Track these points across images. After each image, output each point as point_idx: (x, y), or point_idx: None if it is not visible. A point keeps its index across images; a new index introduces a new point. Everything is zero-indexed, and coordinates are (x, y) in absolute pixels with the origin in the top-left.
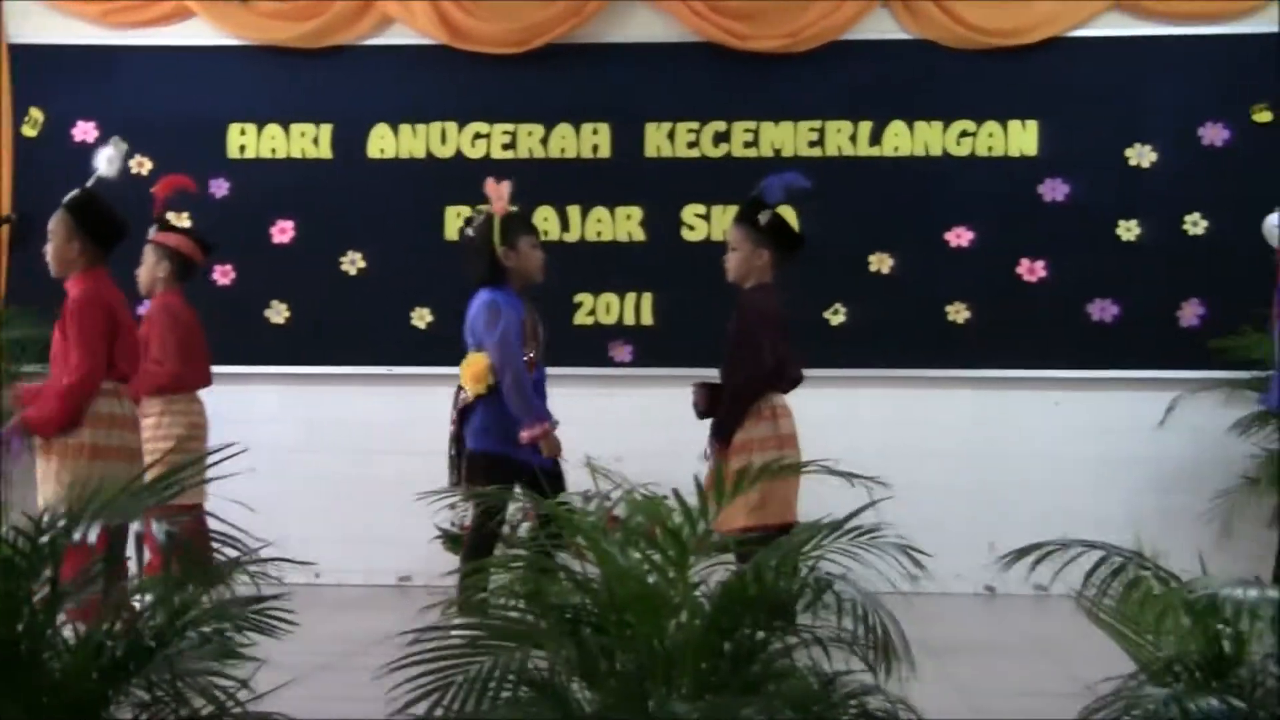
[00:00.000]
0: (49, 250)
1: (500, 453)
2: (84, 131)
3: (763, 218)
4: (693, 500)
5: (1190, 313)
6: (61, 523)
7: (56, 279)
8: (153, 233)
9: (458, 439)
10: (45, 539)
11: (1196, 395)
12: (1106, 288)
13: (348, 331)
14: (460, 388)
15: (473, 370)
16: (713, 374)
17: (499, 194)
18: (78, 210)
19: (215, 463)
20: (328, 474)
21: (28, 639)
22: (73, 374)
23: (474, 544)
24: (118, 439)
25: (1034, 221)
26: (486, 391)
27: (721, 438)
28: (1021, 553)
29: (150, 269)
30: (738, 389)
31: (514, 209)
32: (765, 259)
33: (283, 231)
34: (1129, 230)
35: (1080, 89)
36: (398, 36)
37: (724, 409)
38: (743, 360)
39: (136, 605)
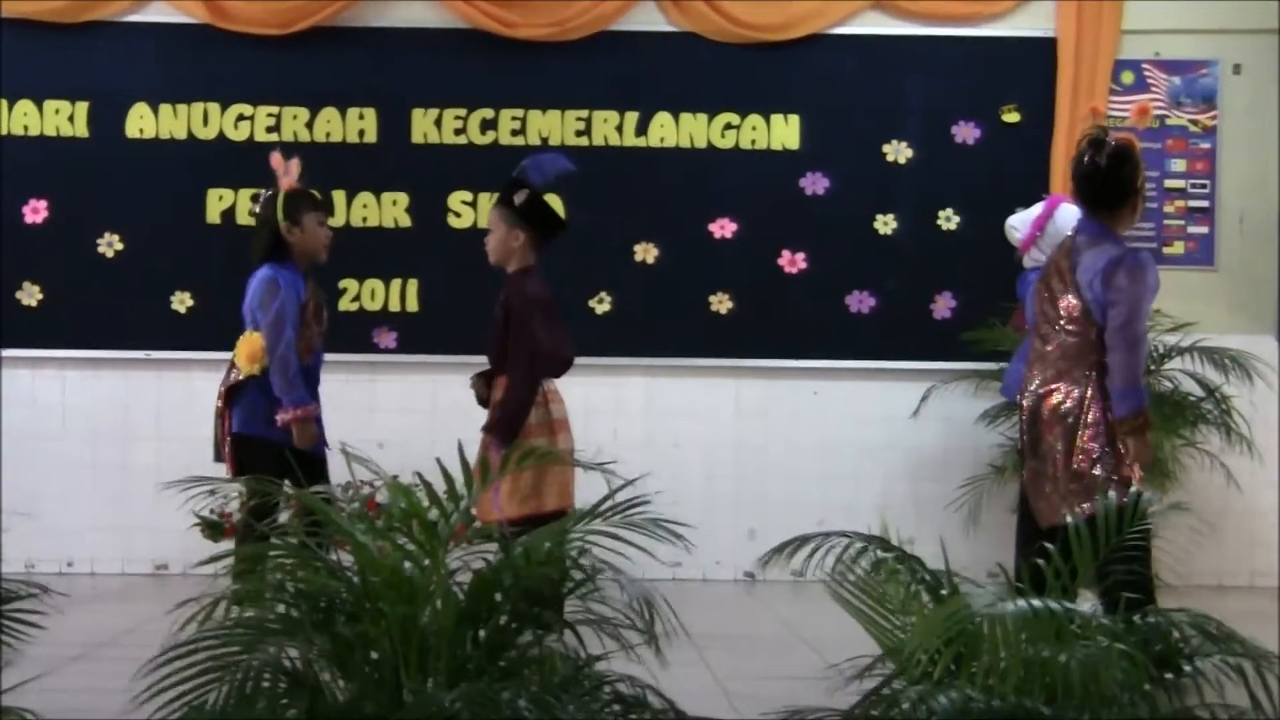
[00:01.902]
0: None
1: (266, 436)
2: None
3: (518, 198)
4: (452, 487)
5: (943, 305)
6: None
7: None
8: None
9: (223, 417)
10: None
11: (949, 386)
12: (864, 280)
13: (104, 314)
14: (232, 365)
15: (248, 350)
16: (478, 360)
17: (285, 169)
18: None
19: None
20: (83, 460)
21: None
22: None
23: (248, 531)
24: None
25: (795, 214)
26: (260, 373)
27: (511, 432)
28: (780, 548)
29: None
30: (517, 378)
31: (299, 186)
32: (522, 240)
33: (35, 211)
34: (885, 224)
35: (840, 85)
36: (159, 14)
37: (508, 400)
38: (517, 348)
39: None
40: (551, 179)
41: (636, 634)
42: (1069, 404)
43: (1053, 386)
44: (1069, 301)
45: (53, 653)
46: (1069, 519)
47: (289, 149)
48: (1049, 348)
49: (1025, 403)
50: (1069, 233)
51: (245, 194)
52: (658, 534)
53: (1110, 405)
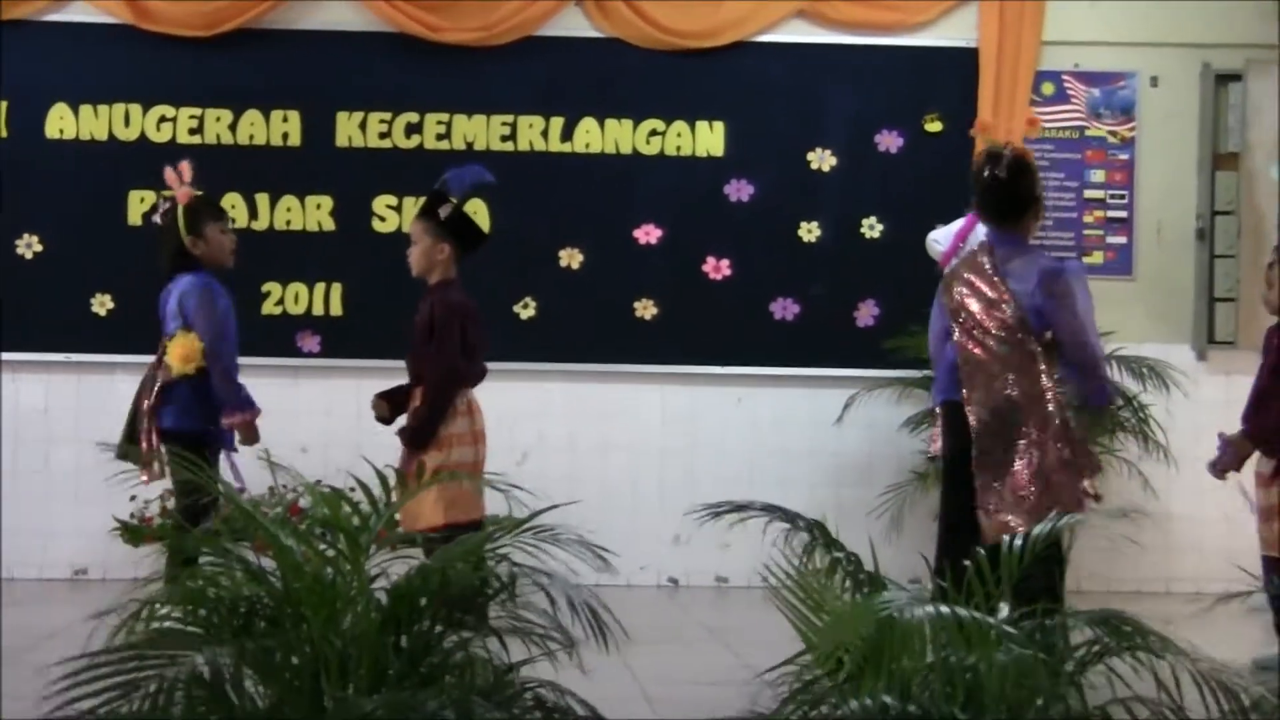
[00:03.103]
0: None
1: (201, 431)
2: None
3: (443, 211)
4: (374, 493)
5: (866, 313)
6: None
7: None
8: None
9: (149, 416)
10: None
11: (872, 393)
12: (788, 287)
13: (23, 316)
14: (156, 366)
15: (183, 350)
16: (399, 365)
17: (181, 180)
18: None
19: None
20: (2, 464)
21: None
22: None
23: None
24: None
25: (720, 221)
26: (195, 373)
27: (422, 439)
28: (710, 511)
29: None
30: (435, 387)
31: (198, 194)
32: (447, 253)
33: None
34: (810, 231)
35: (765, 93)
36: (80, 14)
37: (425, 408)
38: (437, 358)
39: None
40: (471, 191)
41: (558, 640)
42: (1031, 423)
43: (1002, 398)
44: (1004, 313)
45: None
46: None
47: (211, 151)
48: (984, 358)
49: (972, 415)
50: None
51: (168, 196)
52: (582, 553)
53: (1062, 416)
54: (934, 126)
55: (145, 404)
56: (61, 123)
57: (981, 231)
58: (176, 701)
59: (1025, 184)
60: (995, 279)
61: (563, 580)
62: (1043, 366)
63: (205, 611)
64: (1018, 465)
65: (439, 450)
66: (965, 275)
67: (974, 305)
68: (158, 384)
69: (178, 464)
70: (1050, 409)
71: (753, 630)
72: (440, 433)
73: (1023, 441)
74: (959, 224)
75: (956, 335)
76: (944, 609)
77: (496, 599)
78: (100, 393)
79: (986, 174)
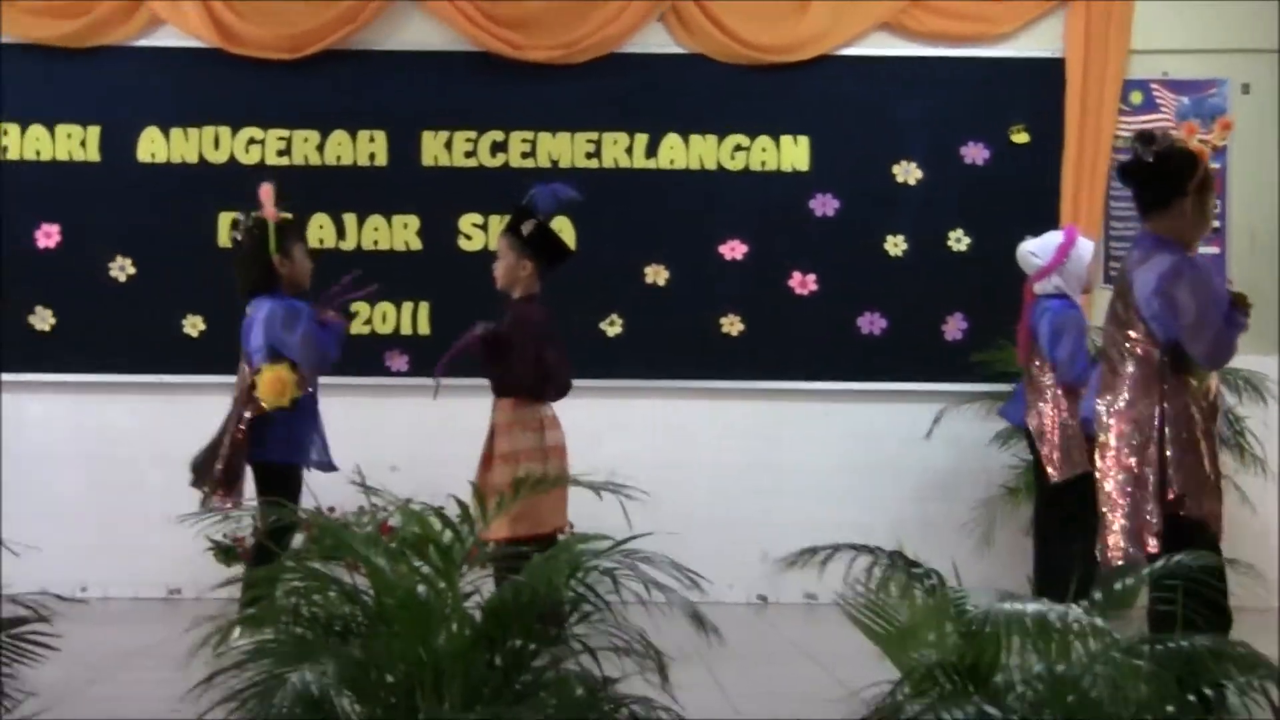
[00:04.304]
0: None
1: (293, 464)
2: None
3: (525, 228)
4: (467, 511)
5: (954, 327)
6: None
7: None
8: None
9: (234, 448)
10: None
11: (960, 407)
12: (875, 301)
13: (117, 338)
14: (247, 398)
15: (273, 385)
16: (486, 385)
17: (271, 199)
18: None
19: None
20: (95, 484)
21: None
22: None
23: (261, 555)
24: None
25: (805, 235)
26: (290, 405)
27: (495, 349)
28: (797, 556)
29: None
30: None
31: (287, 215)
32: (529, 269)
33: (48, 235)
34: (896, 245)
35: (849, 106)
36: (169, 39)
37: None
38: (508, 367)
39: None
40: (557, 208)
41: (649, 657)
42: (1134, 440)
43: (1120, 416)
44: (1135, 328)
45: (68, 675)
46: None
47: (299, 172)
48: (1118, 376)
49: (1099, 432)
50: (1087, 261)
51: (252, 216)
52: (671, 570)
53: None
54: (1020, 138)
55: (229, 436)
56: (153, 146)
57: (1085, 246)
58: (293, 714)
59: (1173, 172)
60: (1124, 286)
61: (654, 598)
62: (1169, 384)
63: (300, 629)
64: (1150, 487)
65: (506, 464)
66: (1116, 286)
67: (1115, 319)
68: (245, 414)
69: (269, 492)
70: (1184, 428)
71: (843, 647)
72: (508, 448)
73: (1151, 466)
74: (1056, 237)
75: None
76: (1030, 606)
77: (588, 617)
78: (191, 413)
79: (1132, 156)
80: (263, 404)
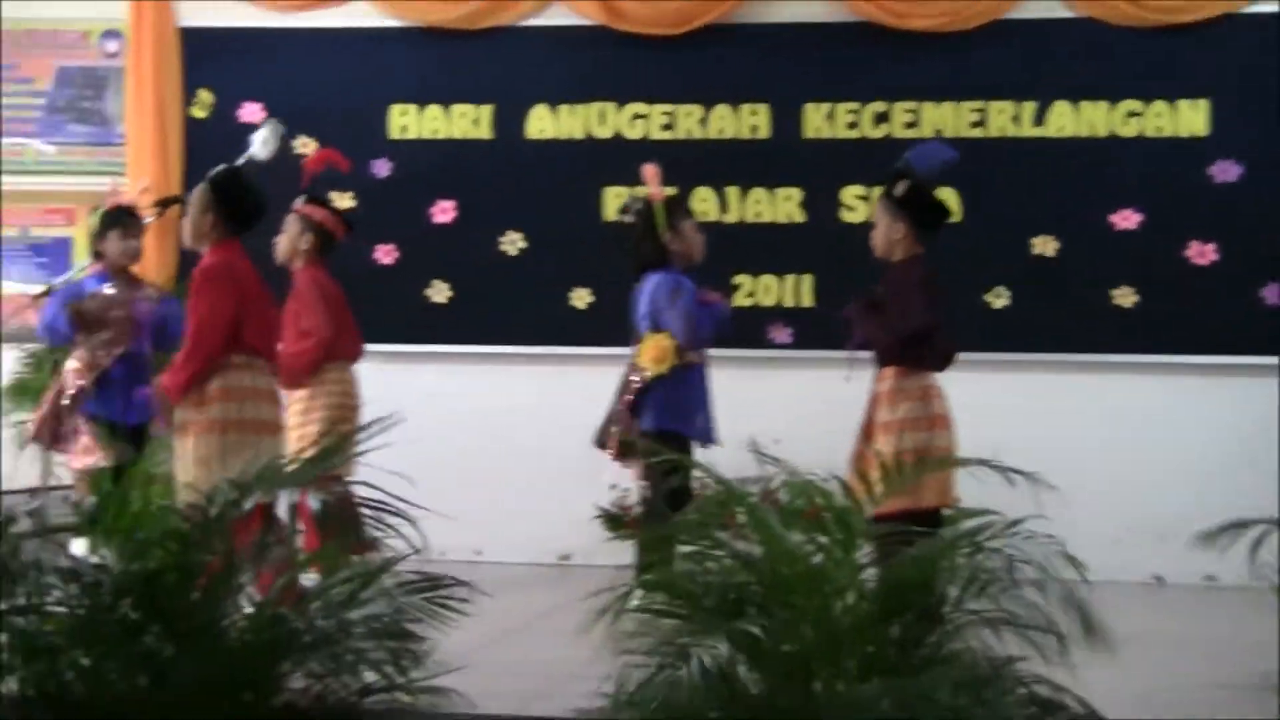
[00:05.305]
0: (184, 221)
1: (676, 430)
2: (250, 113)
3: (898, 189)
4: (855, 483)
5: None
6: (230, 496)
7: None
8: (299, 204)
9: (623, 415)
10: (215, 512)
11: None
12: None
13: (508, 311)
14: (632, 367)
15: (654, 352)
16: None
17: (656, 177)
18: (219, 185)
19: (371, 436)
20: (486, 452)
21: (204, 609)
22: (188, 342)
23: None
24: (252, 412)
25: (1204, 204)
26: (668, 372)
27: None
28: (1231, 527)
29: (292, 239)
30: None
31: (672, 192)
32: (903, 232)
33: (444, 211)
34: None
35: (1253, 66)
36: (557, 17)
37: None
38: (887, 320)
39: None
40: (936, 168)
41: (1051, 635)
42: None
43: None
44: None
45: (469, 637)
46: None
47: (683, 146)
48: None
49: None
50: None
51: (641, 193)
52: (1063, 548)
53: None
54: None
55: (621, 402)
56: (541, 123)
57: None
58: (692, 684)
59: None
60: None
61: (1053, 577)
62: None
63: (694, 597)
64: None
65: (889, 433)
66: None
67: None
68: (634, 383)
69: (655, 458)
70: None
71: (1248, 632)
72: (889, 417)
73: None
74: None
75: None
76: None
77: (981, 593)
78: (579, 384)
79: None
80: (644, 371)
